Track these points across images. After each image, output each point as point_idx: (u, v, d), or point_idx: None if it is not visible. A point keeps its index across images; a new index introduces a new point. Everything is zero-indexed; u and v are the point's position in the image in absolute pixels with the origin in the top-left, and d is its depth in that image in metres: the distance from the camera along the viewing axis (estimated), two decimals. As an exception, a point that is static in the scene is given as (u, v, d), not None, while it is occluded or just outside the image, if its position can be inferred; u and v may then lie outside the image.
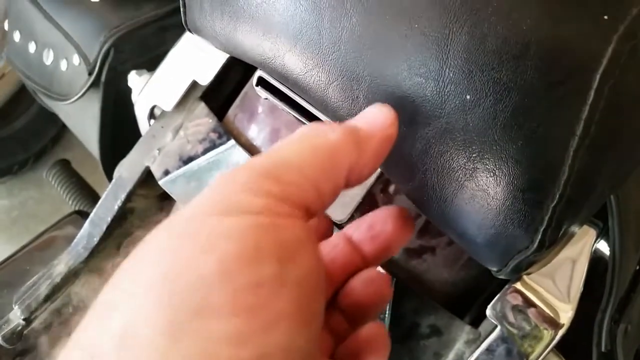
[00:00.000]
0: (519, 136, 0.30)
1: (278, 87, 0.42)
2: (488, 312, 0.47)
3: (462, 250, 0.49)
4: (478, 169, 0.31)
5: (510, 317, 0.47)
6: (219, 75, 0.56)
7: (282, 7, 0.36)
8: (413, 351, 0.48)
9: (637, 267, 0.54)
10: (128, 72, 0.65)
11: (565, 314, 0.48)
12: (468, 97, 0.30)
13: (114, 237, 0.63)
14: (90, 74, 0.69)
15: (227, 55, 0.55)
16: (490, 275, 0.55)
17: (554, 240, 0.34)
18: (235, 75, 0.60)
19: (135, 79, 0.64)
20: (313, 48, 0.34)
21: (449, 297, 0.51)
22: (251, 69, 0.57)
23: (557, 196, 0.32)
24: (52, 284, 0.58)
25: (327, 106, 0.35)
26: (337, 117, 0.35)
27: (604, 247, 0.52)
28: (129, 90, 0.65)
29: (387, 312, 0.47)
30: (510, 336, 0.47)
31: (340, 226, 0.48)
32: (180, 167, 0.55)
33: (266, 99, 0.44)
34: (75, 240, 0.59)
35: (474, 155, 0.31)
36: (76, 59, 0.72)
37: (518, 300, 0.47)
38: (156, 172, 0.57)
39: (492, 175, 0.31)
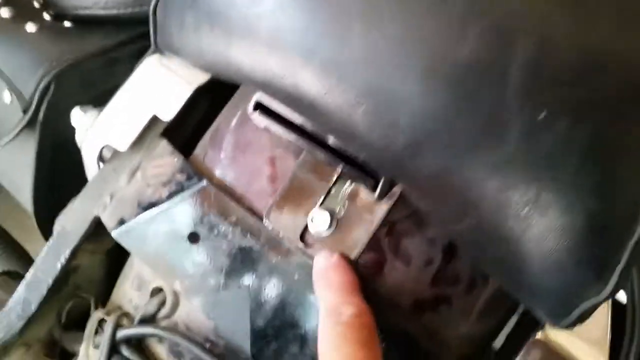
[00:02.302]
0: (601, 165, 0.25)
1: (283, 114, 0.35)
2: (515, 369, 0.41)
3: (479, 297, 0.43)
4: (550, 204, 0.25)
5: (539, 373, 0.41)
6: (183, 109, 0.49)
7: (294, 17, 0.29)
8: None
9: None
10: (70, 110, 0.56)
11: (598, 367, 0.42)
12: (540, 117, 0.24)
13: (52, 303, 0.52)
14: (25, 112, 0.59)
15: (195, 86, 0.48)
16: (501, 324, 0.49)
17: (624, 283, 0.28)
18: (200, 108, 0.53)
19: (79, 117, 0.55)
20: (336, 63, 0.28)
21: (467, 354, 0.45)
22: (220, 100, 0.50)
23: (637, 233, 0.26)
24: (-25, 365, 0.47)
25: (353, 134, 0.29)
26: (366, 148, 0.29)
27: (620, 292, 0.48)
28: (70, 131, 0.56)
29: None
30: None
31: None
32: (138, 214, 0.47)
33: (265, 127, 0.37)
34: (6, 307, 0.49)
35: (546, 188, 0.25)
36: (7, 96, 0.62)
37: (545, 353, 0.41)
38: (108, 221, 0.48)
39: (568, 210, 0.25)
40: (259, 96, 0.37)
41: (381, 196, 0.37)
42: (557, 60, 0.26)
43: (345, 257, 0.41)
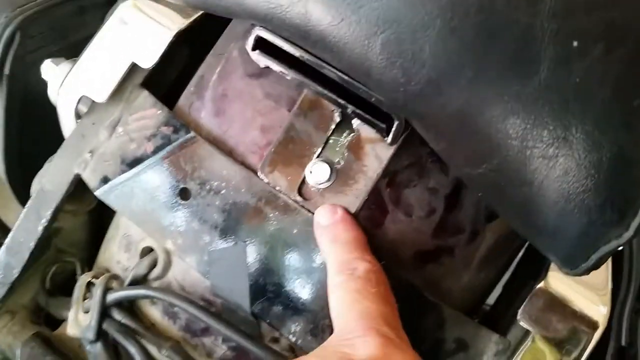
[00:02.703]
0: (635, 93, 0.23)
1: (287, 49, 0.32)
2: (519, 317, 0.40)
3: (480, 247, 0.42)
4: (579, 140, 0.24)
5: (543, 320, 0.40)
6: (163, 56, 0.45)
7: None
8: (439, 372, 0.41)
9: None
10: (39, 62, 0.52)
11: (600, 312, 0.42)
12: (575, 43, 0.22)
13: (35, 267, 0.50)
14: (-12, 65, 0.55)
15: (174, 31, 0.45)
16: (500, 273, 0.49)
17: (647, 226, 0.27)
18: (181, 56, 0.49)
19: (51, 69, 0.51)
20: None
21: (468, 304, 0.44)
22: (202, 47, 0.47)
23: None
24: (-43, 335, 0.44)
25: (369, 68, 0.26)
26: (384, 81, 0.26)
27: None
28: (41, 84, 0.52)
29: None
30: (545, 341, 0.40)
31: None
32: (123, 171, 0.44)
33: (267, 67, 0.35)
34: (-15, 274, 0.46)
35: (576, 121, 0.23)
36: (-33, 49, 0.57)
37: (549, 302, 0.41)
38: (90, 180, 0.45)
39: (597, 145, 0.24)
40: (259, 32, 0.34)
41: (394, 140, 0.35)
42: None
43: (349, 212, 0.39)
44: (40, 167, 0.51)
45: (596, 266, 0.29)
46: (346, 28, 0.26)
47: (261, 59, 0.36)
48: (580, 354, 0.41)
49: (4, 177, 0.65)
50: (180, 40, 0.45)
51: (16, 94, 0.57)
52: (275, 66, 0.36)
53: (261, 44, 0.35)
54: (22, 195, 0.62)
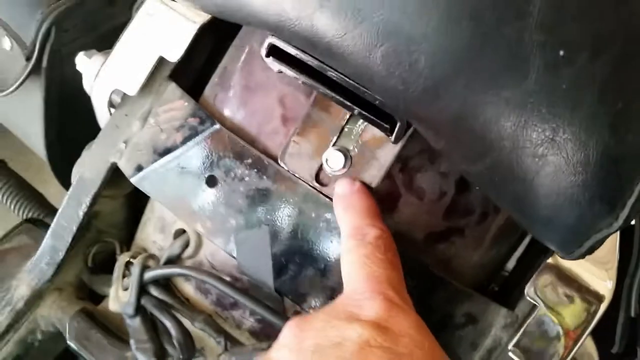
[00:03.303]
0: (621, 96, 0.25)
1: (298, 56, 0.35)
2: (527, 292, 0.43)
3: (490, 227, 0.45)
4: (569, 140, 0.26)
5: (550, 295, 0.43)
6: (189, 49, 0.48)
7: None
8: (448, 344, 0.44)
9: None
10: (74, 54, 0.55)
11: (606, 285, 0.44)
12: (561, 53, 0.24)
13: (78, 247, 0.54)
14: (28, 59, 0.59)
15: (198, 25, 0.47)
16: (512, 249, 0.51)
17: (637, 214, 0.29)
18: (205, 48, 0.52)
19: (84, 62, 0.55)
20: (354, 2, 0.27)
21: (480, 280, 0.47)
22: (224, 38, 0.49)
23: (652, 164, 0.27)
24: (13, 310, 0.49)
25: (372, 76, 0.29)
26: (386, 88, 0.29)
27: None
28: (77, 76, 0.56)
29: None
30: (552, 315, 0.43)
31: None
32: (155, 160, 0.47)
33: (280, 71, 0.37)
34: (36, 256, 0.51)
35: (565, 123, 0.25)
36: (7, 43, 0.61)
37: (556, 277, 0.43)
38: (126, 168, 0.49)
39: (584, 146, 0.26)
40: (272, 40, 0.37)
41: (397, 139, 0.37)
42: None
43: (365, 186, 0.41)
44: (77, 150, 0.55)
45: (590, 251, 0.31)
46: (350, 40, 0.28)
47: (275, 65, 0.39)
48: (586, 327, 0.43)
49: (45, 159, 0.70)
50: (205, 31, 0.47)
51: (54, 85, 0.61)
52: (288, 71, 0.38)
53: (274, 51, 0.38)
54: (62, 175, 0.67)
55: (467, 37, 0.25)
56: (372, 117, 0.37)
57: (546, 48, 0.25)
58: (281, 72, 0.38)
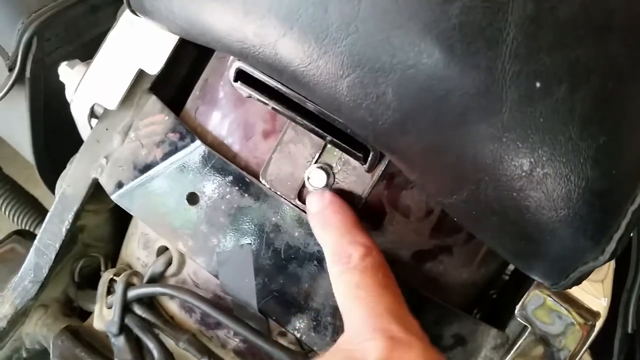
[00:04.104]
0: (602, 130, 0.23)
1: (266, 82, 0.33)
2: (517, 313, 0.41)
3: (479, 245, 0.43)
4: (548, 175, 0.24)
5: (542, 315, 0.41)
6: (169, 60, 0.46)
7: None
8: (437, 367, 0.42)
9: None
10: (58, 63, 0.54)
11: (601, 304, 0.42)
12: (537, 84, 0.22)
13: (64, 262, 0.53)
14: (10, 69, 0.57)
15: (179, 36, 0.46)
16: (502, 266, 0.49)
17: (624, 247, 0.28)
18: (187, 58, 0.50)
19: (67, 73, 0.53)
20: (318, 30, 0.25)
21: (469, 299, 0.45)
22: (209, 48, 0.48)
23: (639, 199, 0.25)
24: (-4, 329, 0.49)
25: (339, 106, 0.27)
26: (354, 119, 0.27)
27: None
28: (62, 85, 0.55)
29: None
30: (543, 336, 0.41)
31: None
32: (135, 177, 0.46)
33: (249, 96, 0.36)
34: (19, 274, 0.50)
35: (543, 158, 0.24)
36: (-10, 53, 0.60)
37: (547, 296, 0.42)
38: (107, 185, 0.48)
39: (565, 181, 0.24)
40: (239, 64, 0.35)
41: (371, 168, 0.36)
42: (556, 19, 0.23)
43: (337, 195, 0.39)
44: (65, 158, 0.54)
45: (578, 282, 0.30)
46: (314, 70, 0.26)
47: (243, 90, 0.37)
48: (580, 348, 0.42)
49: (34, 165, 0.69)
50: (187, 42, 0.46)
51: (38, 94, 0.60)
52: (257, 96, 0.36)
53: (243, 75, 0.36)
54: (51, 181, 0.66)
55: (436, 66, 0.24)
56: (344, 145, 0.36)
57: (521, 79, 0.23)
58: (250, 97, 0.37)
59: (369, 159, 0.35)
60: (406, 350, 0.31)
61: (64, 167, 0.54)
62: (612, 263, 0.43)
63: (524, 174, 0.25)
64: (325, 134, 0.36)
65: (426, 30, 0.24)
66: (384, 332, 0.32)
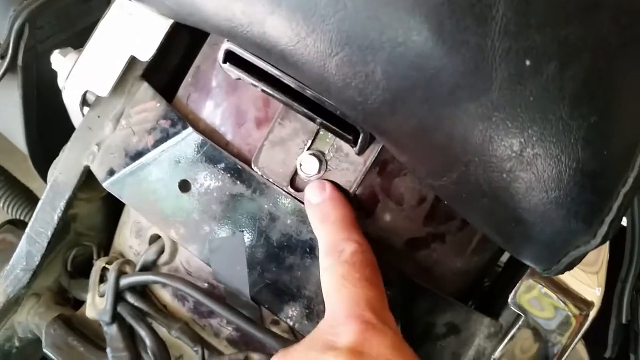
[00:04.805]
0: (593, 110, 0.23)
1: (255, 63, 0.33)
2: (510, 302, 0.41)
3: (473, 232, 0.43)
4: (538, 155, 0.24)
5: (535, 304, 0.41)
6: (161, 47, 0.46)
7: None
8: (430, 355, 0.42)
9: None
10: (50, 51, 0.53)
11: (595, 293, 0.42)
12: (527, 62, 0.22)
13: (57, 251, 0.53)
14: (2, 57, 0.57)
15: (170, 22, 0.45)
16: (496, 255, 0.49)
17: (616, 230, 0.27)
18: (180, 45, 0.50)
19: (59, 60, 0.53)
20: (306, 7, 0.25)
21: (463, 287, 0.45)
22: (202, 35, 0.47)
23: (631, 180, 0.25)
24: (-12, 318, 0.48)
25: (328, 86, 0.27)
26: (343, 99, 0.27)
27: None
28: (54, 73, 0.54)
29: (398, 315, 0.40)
30: (537, 325, 0.41)
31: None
32: (127, 164, 0.46)
33: (238, 79, 0.35)
34: (11, 262, 0.49)
35: (533, 138, 0.23)
36: (-19, 41, 0.59)
37: (541, 285, 0.41)
38: (98, 172, 0.47)
39: (556, 161, 0.24)
40: (228, 45, 0.35)
41: (361, 151, 0.35)
42: None
43: (338, 189, 0.40)
44: (57, 146, 0.54)
45: (569, 268, 0.30)
46: (303, 49, 0.26)
47: (233, 71, 0.37)
48: (574, 337, 0.41)
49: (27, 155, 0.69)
50: (181, 26, 0.45)
51: (31, 83, 0.59)
52: (247, 78, 0.36)
53: (232, 56, 0.36)
54: (44, 171, 0.66)
55: (425, 44, 0.23)
56: (334, 127, 0.35)
57: (510, 56, 0.23)
58: (240, 79, 0.36)
59: (359, 141, 0.35)
60: (379, 335, 0.31)
61: (57, 156, 0.54)
62: (606, 253, 0.43)
63: (514, 154, 0.24)
64: (315, 116, 0.35)
65: (415, 6, 0.23)
66: (359, 317, 0.32)
